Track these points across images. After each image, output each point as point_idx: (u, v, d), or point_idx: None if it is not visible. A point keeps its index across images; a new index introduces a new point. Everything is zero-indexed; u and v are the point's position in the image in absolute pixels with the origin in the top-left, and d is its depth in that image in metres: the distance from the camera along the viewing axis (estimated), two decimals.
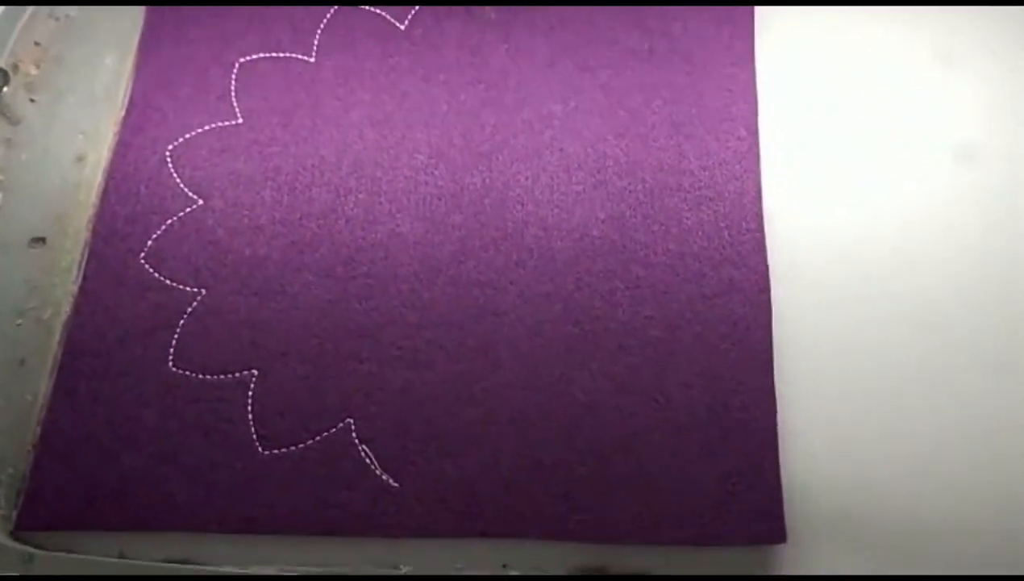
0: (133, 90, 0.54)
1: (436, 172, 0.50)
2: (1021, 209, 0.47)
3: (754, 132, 0.49)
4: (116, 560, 0.43)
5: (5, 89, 0.52)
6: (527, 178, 0.49)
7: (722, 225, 0.48)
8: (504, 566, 0.43)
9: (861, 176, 0.49)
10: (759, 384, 0.44)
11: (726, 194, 0.48)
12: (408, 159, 0.50)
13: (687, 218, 0.48)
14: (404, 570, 0.43)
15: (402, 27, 0.53)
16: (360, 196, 0.50)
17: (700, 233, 0.47)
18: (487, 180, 0.50)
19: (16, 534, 0.44)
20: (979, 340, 0.46)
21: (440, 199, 0.50)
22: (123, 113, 0.53)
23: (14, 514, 0.45)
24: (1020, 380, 0.45)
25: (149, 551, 0.44)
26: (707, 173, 0.48)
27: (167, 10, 0.55)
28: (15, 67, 0.54)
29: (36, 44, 0.55)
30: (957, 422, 0.44)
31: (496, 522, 0.43)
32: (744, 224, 0.47)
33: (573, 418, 0.44)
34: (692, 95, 0.50)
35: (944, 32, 0.50)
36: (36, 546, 0.43)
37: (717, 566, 0.42)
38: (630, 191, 0.49)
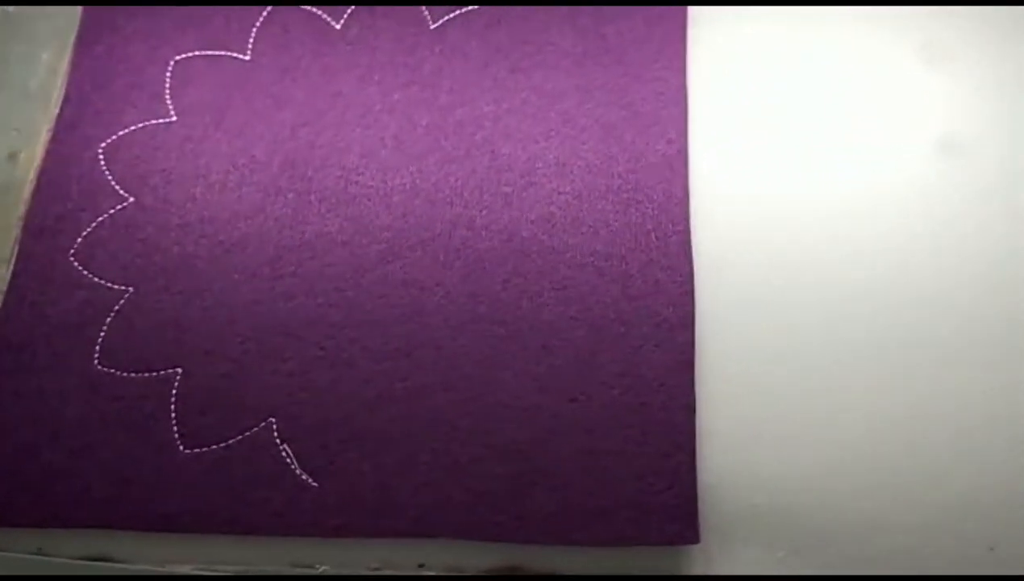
0: (68, 87, 0.54)
1: (366, 172, 0.50)
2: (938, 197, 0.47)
3: (683, 134, 0.49)
4: (33, 556, 0.42)
5: None
6: (457, 179, 0.49)
7: (649, 227, 0.47)
8: (420, 566, 0.43)
9: (787, 178, 0.49)
10: (680, 384, 0.44)
11: (654, 197, 0.48)
12: (339, 158, 0.50)
13: (614, 220, 0.48)
14: (321, 570, 0.42)
15: (338, 26, 0.53)
16: (290, 196, 0.50)
17: (627, 235, 0.47)
18: (417, 181, 0.50)
19: None
20: (890, 343, 0.46)
21: (369, 199, 0.50)
22: (57, 110, 0.53)
23: None
24: (932, 381, 0.45)
25: (67, 548, 0.44)
26: (635, 176, 0.48)
27: (104, 9, 0.55)
28: None
29: None
30: (870, 423, 0.44)
31: (412, 522, 0.43)
32: (671, 226, 0.47)
33: (493, 418, 0.44)
34: (624, 98, 0.50)
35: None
36: None
37: (630, 565, 0.42)
38: (559, 193, 0.49)
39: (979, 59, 0.50)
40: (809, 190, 0.49)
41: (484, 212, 0.49)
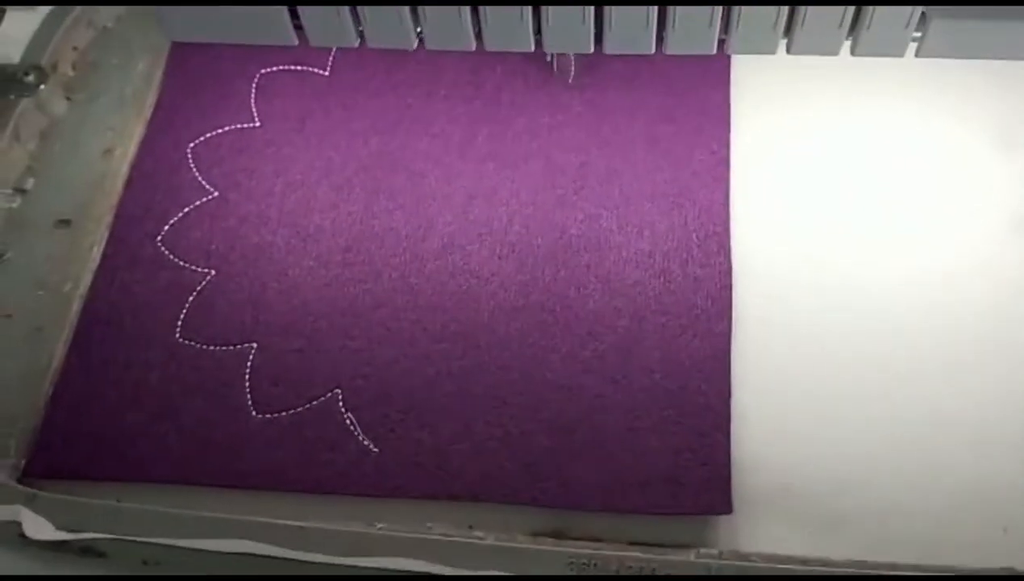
0: (161, 94, 0.59)
1: (431, 175, 0.55)
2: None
3: (725, 145, 0.53)
4: (112, 503, 0.46)
5: (42, 87, 0.57)
6: (513, 182, 0.54)
7: (691, 228, 0.51)
8: (470, 527, 0.46)
9: (821, 186, 0.53)
10: (716, 370, 0.48)
11: (697, 201, 0.52)
12: (407, 163, 0.55)
13: (659, 221, 0.52)
14: (378, 528, 0.46)
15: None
16: (360, 193, 0.54)
17: (670, 235, 0.51)
18: (476, 183, 0.54)
19: (24, 481, 0.48)
20: (924, 342, 0.49)
21: (434, 199, 0.54)
22: (150, 114, 0.58)
23: (23, 463, 0.49)
24: (960, 378, 0.48)
25: (144, 501, 0.47)
26: (679, 182, 0.53)
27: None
28: (54, 67, 0.59)
29: (74, 49, 0.60)
30: (892, 417, 0.47)
31: (465, 486, 0.46)
32: (712, 227, 0.51)
33: (541, 395, 0.48)
34: (669, 113, 0.54)
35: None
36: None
37: (667, 534, 0.45)
38: (607, 196, 0.53)
39: None
40: (843, 202, 0.53)
41: (537, 211, 0.53)
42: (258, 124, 0.57)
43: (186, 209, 0.55)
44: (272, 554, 0.44)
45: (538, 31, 0.41)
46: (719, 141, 0.53)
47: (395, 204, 0.54)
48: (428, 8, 0.39)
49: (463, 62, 0.57)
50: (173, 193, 0.55)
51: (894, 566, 0.43)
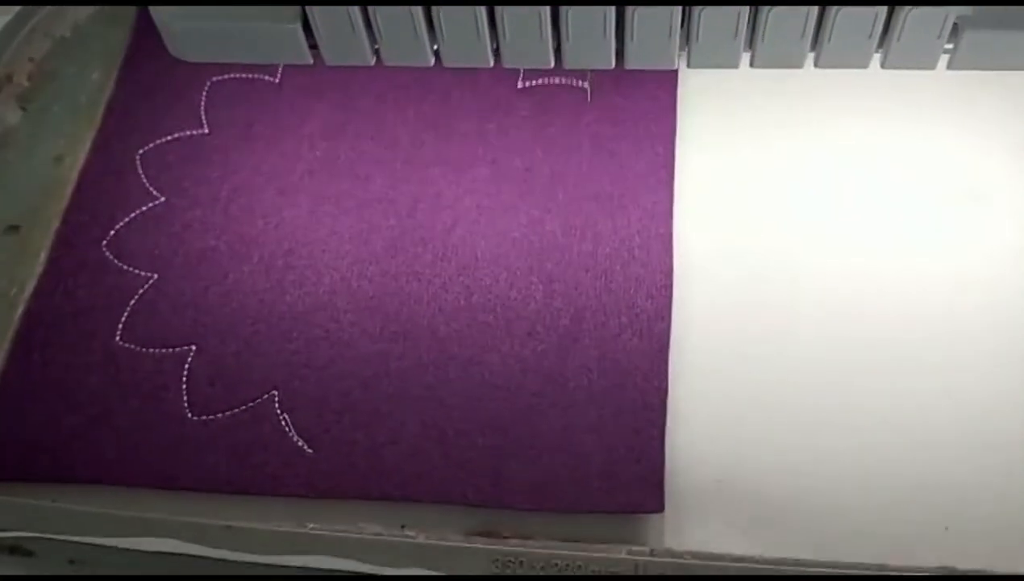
0: (113, 102, 0.59)
1: (377, 180, 0.55)
2: None
3: (671, 147, 0.53)
4: (39, 503, 0.46)
5: None
6: (458, 186, 0.54)
7: (634, 230, 0.51)
8: (403, 526, 0.45)
9: (766, 187, 0.53)
10: (653, 369, 0.47)
11: (640, 202, 0.52)
12: (351, 168, 0.55)
13: (602, 225, 0.52)
14: (310, 527, 0.45)
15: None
16: (304, 198, 0.54)
17: (613, 237, 0.51)
18: (421, 188, 0.54)
19: None
20: (865, 341, 0.48)
21: (379, 203, 0.54)
22: (101, 122, 0.59)
23: None
24: (901, 376, 0.47)
25: (79, 503, 0.47)
26: (623, 184, 0.52)
27: (152, 33, 0.60)
28: (9, 78, 0.59)
29: (30, 60, 0.61)
30: (836, 415, 0.47)
31: (398, 486, 0.46)
32: (654, 228, 0.51)
33: (478, 395, 0.48)
34: (614, 116, 0.54)
35: None
36: None
37: (599, 533, 0.44)
38: (551, 199, 0.53)
39: None
40: (784, 205, 0.52)
41: (481, 215, 0.53)
42: (207, 131, 0.57)
43: (132, 214, 0.55)
44: (199, 553, 0.43)
45: (558, 47, 0.40)
46: (664, 143, 0.53)
47: (339, 209, 0.54)
48: (446, 25, 0.39)
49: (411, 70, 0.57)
50: (120, 199, 0.56)
51: (832, 564, 0.42)
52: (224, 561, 0.43)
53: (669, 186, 0.52)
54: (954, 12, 0.37)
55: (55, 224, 0.55)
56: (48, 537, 0.44)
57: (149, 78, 0.59)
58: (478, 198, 0.53)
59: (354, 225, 0.53)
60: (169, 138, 0.57)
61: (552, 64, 0.40)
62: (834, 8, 0.37)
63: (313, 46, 0.41)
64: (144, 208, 0.55)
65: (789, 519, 0.45)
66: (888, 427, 0.46)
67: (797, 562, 0.42)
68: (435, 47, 0.41)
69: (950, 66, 0.39)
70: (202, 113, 0.58)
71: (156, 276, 0.53)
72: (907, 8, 0.37)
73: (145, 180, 0.56)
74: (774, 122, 0.55)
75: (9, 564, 0.45)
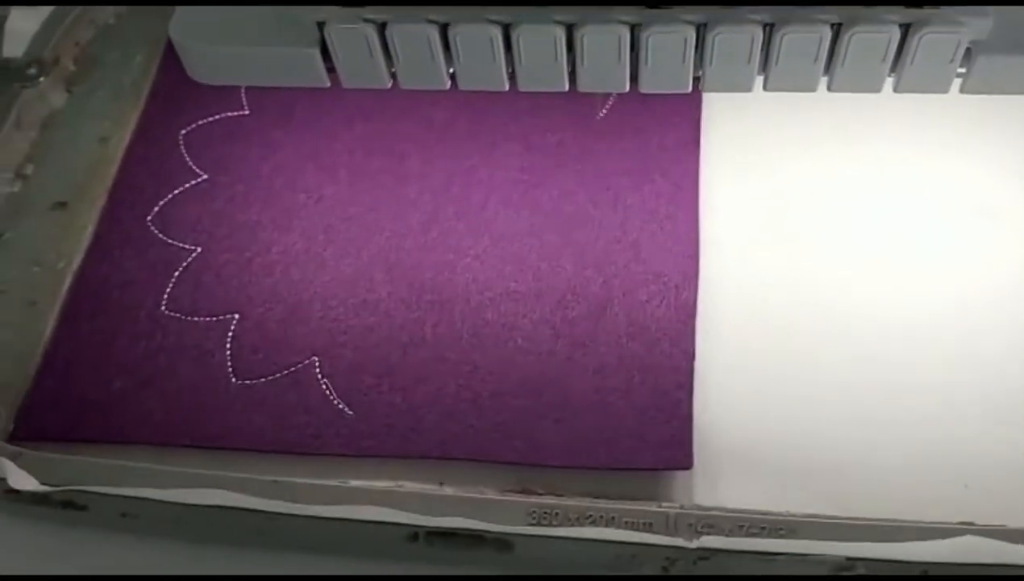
0: (156, 86, 0.61)
1: (413, 157, 0.57)
2: None
3: (697, 123, 0.55)
4: (92, 460, 0.47)
5: (43, 79, 0.60)
6: (491, 161, 0.56)
7: (662, 202, 0.53)
8: (440, 483, 0.47)
9: (794, 159, 0.54)
10: (681, 334, 0.49)
11: (669, 174, 0.54)
12: (389, 146, 0.57)
13: (630, 199, 0.54)
14: (352, 484, 0.47)
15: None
16: (344, 174, 0.56)
17: (641, 209, 0.53)
18: (455, 163, 0.56)
19: (11, 443, 0.49)
20: (891, 306, 0.50)
21: (414, 179, 0.56)
22: (145, 104, 0.61)
23: (11, 427, 0.50)
24: (924, 339, 0.50)
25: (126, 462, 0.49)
26: (651, 158, 0.54)
27: None
28: (56, 61, 0.61)
29: (76, 44, 0.63)
30: (860, 378, 0.48)
31: (435, 445, 0.48)
32: (681, 200, 0.53)
33: (511, 359, 0.49)
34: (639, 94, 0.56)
35: None
36: None
37: (631, 491, 0.46)
38: (583, 173, 0.55)
39: None
40: (828, 187, 0.55)
41: (514, 190, 0.55)
42: (247, 112, 0.59)
43: (176, 191, 0.57)
44: (247, 506, 0.45)
45: (572, 71, 0.41)
46: (691, 121, 0.55)
47: (377, 184, 0.56)
48: (462, 49, 0.40)
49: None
50: (164, 177, 0.58)
51: (853, 519, 0.44)
52: (272, 514, 0.45)
53: (695, 159, 0.54)
54: (967, 37, 0.38)
55: (101, 201, 0.57)
56: (100, 491, 0.46)
57: None
58: (511, 173, 0.55)
59: (391, 200, 0.55)
60: (211, 119, 0.59)
61: (567, 88, 0.42)
62: (847, 32, 0.38)
63: (331, 69, 0.42)
64: (187, 185, 0.57)
65: (812, 477, 0.47)
66: (917, 389, 0.48)
67: (819, 517, 0.44)
68: (451, 70, 0.42)
69: (963, 90, 0.40)
70: (242, 95, 0.60)
71: (200, 249, 0.55)
72: (920, 32, 0.37)
73: (188, 159, 0.58)
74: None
75: (63, 518, 0.46)
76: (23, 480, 0.46)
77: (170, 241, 0.55)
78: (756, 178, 0.55)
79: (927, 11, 0.37)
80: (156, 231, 0.56)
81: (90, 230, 0.56)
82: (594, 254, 0.52)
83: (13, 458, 0.47)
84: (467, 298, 0.52)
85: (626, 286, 0.51)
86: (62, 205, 0.58)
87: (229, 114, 0.59)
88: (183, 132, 0.59)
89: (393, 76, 0.43)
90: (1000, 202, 0.54)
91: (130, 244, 0.55)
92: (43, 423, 0.50)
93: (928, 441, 0.47)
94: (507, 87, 0.42)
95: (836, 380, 0.49)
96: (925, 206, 0.54)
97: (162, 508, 0.45)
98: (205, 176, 0.57)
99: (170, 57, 0.62)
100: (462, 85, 0.42)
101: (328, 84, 0.43)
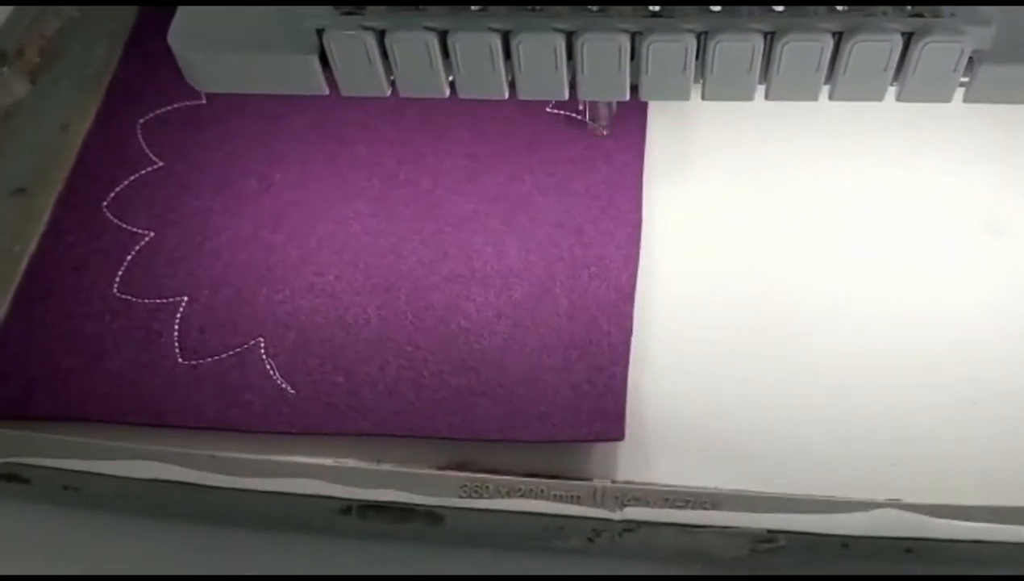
0: (117, 76, 0.62)
1: (361, 145, 0.58)
2: None
3: (643, 117, 0.56)
4: (36, 434, 0.48)
5: (5, 69, 0.61)
6: (439, 150, 0.57)
7: (602, 189, 0.54)
8: (379, 460, 0.48)
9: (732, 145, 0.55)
10: (619, 313, 0.50)
11: (612, 161, 0.55)
12: (339, 134, 0.58)
13: (574, 185, 0.55)
14: (287, 459, 0.47)
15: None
16: (294, 161, 0.57)
17: (585, 195, 0.54)
18: (403, 150, 0.57)
19: None
20: (835, 283, 0.52)
21: (363, 165, 0.57)
22: (105, 93, 0.62)
23: None
24: (866, 322, 0.50)
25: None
26: (595, 145, 0.55)
27: (157, 13, 0.64)
28: (20, 53, 0.63)
29: (41, 36, 0.64)
30: (798, 360, 0.49)
31: (374, 423, 0.48)
32: (625, 183, 0.54)
33: (452, 340, 0.50)
34: None
35: None
36: None
37: (566, 465, 0.47)
38: (527, 161, 0.56)
39: None
40: (769, 170, 0.56)
41: (460, 176, 0.56)
42: (204, 101, 0.60)
43: (131, 177, 0.58)
44: (186, 480, 0.46)
45: (572, 79, 0.41)
46: (638, 108, 0.56)
47: (327, 171, 0.57)
48: (462, 57, 0.40)
49: None
50: (121, 163, 0.59)
51: (782, 496, 0.44)
52: (208, 487, 0.45)
53: (640, 146, 0.55)
54: (970, 46, 0.38)
55: (59, 187, 0.58)
56: (42, 464, 0.46)
57: (152, 54, 0.63)
58: (458, 160, 0.56)
59: (341, 186, 0.56)
60: (169, 108, 0.60)
61: (567, 96, 0.42)
62: (849, 41, 0.38)
63: (329, 77, 0.43)
64: (143, 172, 0.58)
65: (742, 455, 0.47)
66: (855, 371, 0.49)
67: (743, 492, 0.44)
68: (450, 78, 0.42)
69: (966, 99, 0.40)
70: None
71: (152, 234, 0.56)
72: (922, 41, 0.37)
73: (145, 146, 0.59)
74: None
75: (6, 491, 0.47)
76: None
77: (124, 225, 0.56)
78: (701, 150, 0.55)
79: (929, 20, 0.37)
80: (111, 216, 0.57)
81: (47, 215, 0.57)
82: (538, 239, 0.53)
83: None
84: (413, 281, 0.52)
85: (568, 269, 0.52)
86: (21, 191, 0.59)
87: (187, 103, 0.60)
88: (141, 120, 0.60)
89: (392, 84, 0.43)
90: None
91: (85, 228, 0.56)
92: None
93: (857, 420, 0.47)
94: (507, 95, 0.42)
95: (771, 364, 0.50)
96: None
97: (103, 481, 0.46)
98: (161, 163, 0.58)
99: (132, 49, 0.64)
100: (461, 93, 0.42)
101: (327, 92, 0.43)
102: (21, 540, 0.48)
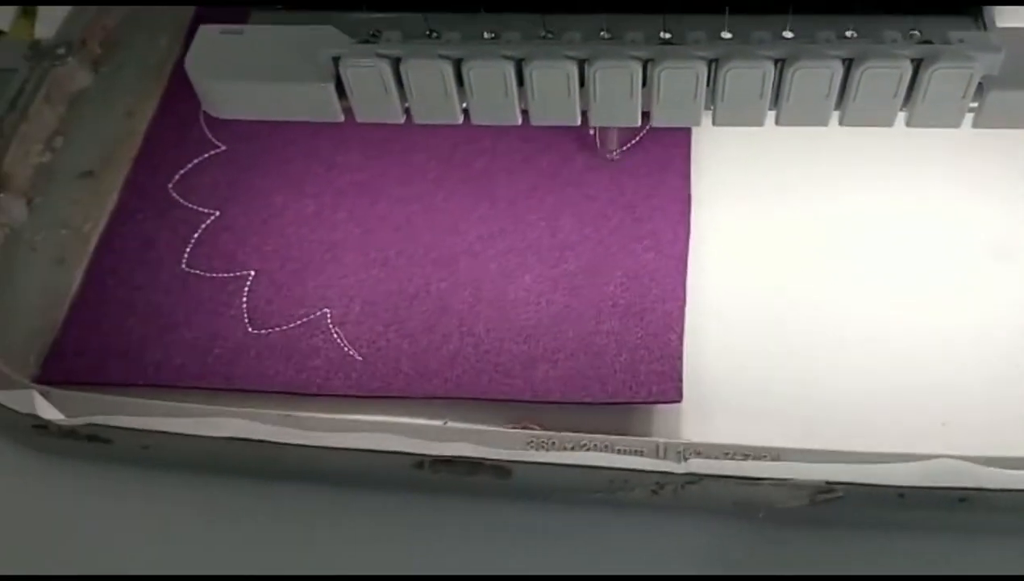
0: (178, 64, 0.65)
1: (418, 128, 0.59)
2: None
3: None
4: (116, 397, 0.50)
5: (71, 59, 0.64)
6: (494, 129, 0.59)
7: (653, 166, 0.56)
8: (444, 422, 0.50)
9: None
10: (673, 284, 0.52)
11: (660, 139, 0.57)
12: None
13: (625, 160, 0.57)
14: (361, 418, 0.49)
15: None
16: (354, 144, 0.60)
17: (636, 171, 0.56)
18: (459, 132, 0.59)
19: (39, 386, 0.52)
20: (876, 253, 0.54)
21: (423, 146, 0.59)
22: (168, 81, 0.64)
23: (39, 373, 0.53)
24: (910, 285, 0.53)
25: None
26: (642, 132, 0.57)
27: (216, 6, 0.66)
28: (83, 43, 0.65)
29: (103, 28, 0.67)
30: (849, 324, 0.51)
31: (440, 386, 0.50)
32: (675, 157, 0.56)
33: (512, 308, 0.52)
34: None
35: None
36: None
37: (626, 427, 0.48)
38: (580, 136, 0.58)
39: None
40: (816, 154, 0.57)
41: (513, 153, 0.58)
42: None
43: (196, 160, 0.60)
44: (257, 436, 0.47)
45: (584, 106, 0.42)
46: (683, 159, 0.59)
47: (385, 151, 0.59)
48: (475, 84, 0.41)
49: None
50: (185, 148, 0.61)
51: (834, 453, 0.46)
52: (283, 445, 0.47)
53: (687, 130, 0.57)
54: (979, 72, 0.39)
55: (125, 170, 0.61)
56: (123, 426, 0.48)
57: None
58: (512, 142, 0.58)
59: (399, 168, 0.58)
60: None
61: (579, 123, 0.43)
62: (859, 68, 0.39)
63: (345, 104, 0.44)
64: (207, 155, 0.61)
65: (797, 417, 0.49)
66: (904, 334, 0.51)
67: (805, 448, 0.46)
68: (464, 105, 0.44)
69: (975, 125, 0.41)
70: None
71: (218, 213, 0.58)
72: (932, 67, 0.39)
73: (208, 131, 0.61)
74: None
75: (88, 451, 0.49)
76: (51, 412, 0.49)
77: (190, 205, 0.58)
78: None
79: (938, 46, 0.39)
80: (177, 196, 0.59)
81: (115, 196, 0.60)
82: (591, 214, 0.55)
83: (43, 395, 0.50)
84: (472, 255, 0.55)
85: (621, 242, 0.54)
86: (89, 173, 0.61)
87: None
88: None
89: (407, 111, 0.44)
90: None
91: (152, 208, 0.59)
92: (68, 367, 0.53)
93: (913, 383, 0.49)
94: (520, 121, 0.44)
95: (823, 330, 0.52)
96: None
97: (181, 441, 0.48)
98: (223, 147, 0.61)
99: (192, 39, 0.66)
100: (475, 120, 0.44)
101: (342, 119, 0.45)
102: (104, 501, 0.49)
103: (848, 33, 0.39)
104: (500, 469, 0.46)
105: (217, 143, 0.61)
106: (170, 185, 0.59)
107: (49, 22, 0.65)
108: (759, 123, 0.41)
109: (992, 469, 0.43)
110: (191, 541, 0.48)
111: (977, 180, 0.56)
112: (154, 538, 0.49)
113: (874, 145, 0.57)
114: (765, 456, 0.45)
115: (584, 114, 0.43)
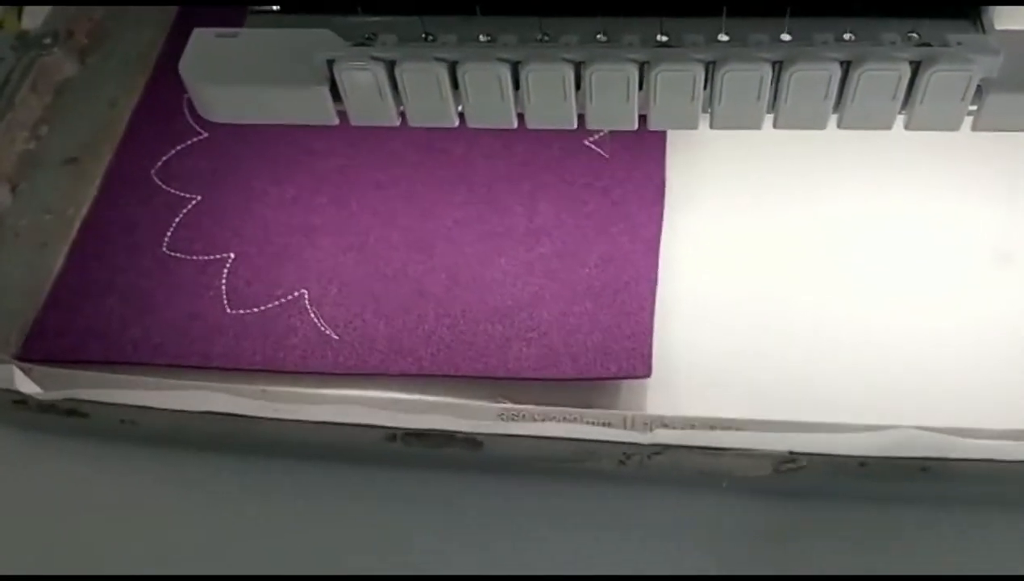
0: (162, 55, 0.66)
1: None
2: None
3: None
4: (93, 372, 0.51)
5: (56, 49, 0.65)
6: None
7: (628, 153, 0.57)
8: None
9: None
10: (646, 265, 0.53)
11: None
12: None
13: (601, 147, 0.58)
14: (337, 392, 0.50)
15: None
16: (336, 133, 0.60)
17: (611, 157, 0.57)
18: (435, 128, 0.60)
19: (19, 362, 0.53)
20: (858, 234, 0.54)
21: (400, 133, 0.60)
22: (152, 72, 0.65)
23: (19, 351, 0.54)
24: (887, 271, 0.53)
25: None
26: None
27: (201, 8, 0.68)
28: (70, 34, 0.66)
29: (89, 19, 0.68)
30: (824, 308, 0.52)
31: (414, 362, 0.51)
32: (650, 147, 0.57)
33: (488, 289, 0.53)
34: None
35: None
36: None
37: (596, 401, 0.49)
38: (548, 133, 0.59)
39: None
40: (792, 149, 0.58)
41: (495, 140, 0.59)
42: None
43: (178, 147, 0.61)
44: (234, 410, 0.48)
45: (581, 109, 0.42)
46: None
47: (365, 140, 0.60)
48: (471, 87, 0.41)
49: None
50: (168, 135, 0.62)
51: (805, 424, 0.47)
52: (259, 419, 0.48)
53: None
54: (978, 74, 0.39)
55: (108, 157, 0.62)
56: (100, 400, 0.49)
57: None
58: (488, 122, 0.59)
59: (378, 154, 0.59)
60: None
61: (575, 126, 0.43)
62: (857, 70, 0.39)
63: (340, 107, 0.44)
64: (189, 142, 0.61)
65: (763, 393, 0.50)
66: (879, 311, 0.52)
67: (769, 419, 0.47)
68: (459, 108, 0.44)
69: (974, 128, 0.41)
70: None
71: (199, 197, 0.59)
72: (930, 70, 0.38)
73: (191, 119, 0.62)
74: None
75: (66, 425, 0.50)
76: (30, 387, 0.49)
77: (172, 190, 0.59)
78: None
79: (936, 49, 0.39)
80: (159, 182, 0.60)
81: (98, 182, 0.61)
82: (567, 199, 0.56)
83: (23, 371, 0.51)
84: (448, 239, 0.56)
85: (597, 225, 0.55)
86: (73, 160, 0.62)
87: None
88: (187, 95, 0.63)
89: (402, 114, 0.44)
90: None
91: (134, 193, 0.59)
92: (49, 346, 0.53)
93: (884, 357, 0.50)
94: (515, 125, 0.44)
95: (793, 312, 0.52)
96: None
97: (157, 415, 0.49)
98: (206, 134, 0.62)
99: (177, 31, 0.67)
100: (470, 123, 0.44)
101: (337, 122, 0.45)
102: (83, 474, 0.50)
103: (846, 35, 0.40)
104: (471, 441, 0.47)
105: (199, 130, 0.62)
106: (153, 171, 0.60)
107: (36, 13, 0.66)
108: (757, 126, 0.41)
109: (954, 438, 0.44)
110: (168, 514, 0.49)
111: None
112: (132, 511, 0.49)
113: (860, 138, 0.58)
114: (729, 427, 0.46)
115: (581, 117, 0.43)
